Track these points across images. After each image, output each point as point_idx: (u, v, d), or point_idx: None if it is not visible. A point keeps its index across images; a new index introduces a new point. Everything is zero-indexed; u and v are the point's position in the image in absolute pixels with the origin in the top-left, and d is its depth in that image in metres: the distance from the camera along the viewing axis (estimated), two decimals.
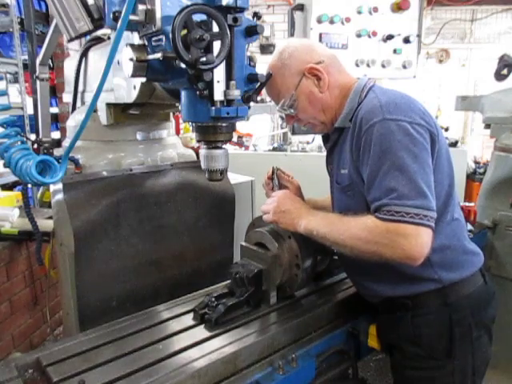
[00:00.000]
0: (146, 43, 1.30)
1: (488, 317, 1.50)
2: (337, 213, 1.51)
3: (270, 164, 1.84)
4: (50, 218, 2.54)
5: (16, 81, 3.97)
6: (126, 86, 1.58)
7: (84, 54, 1.99)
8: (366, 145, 1.32)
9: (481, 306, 1.47)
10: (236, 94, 1.26)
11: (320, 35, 2.15)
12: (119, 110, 1.81)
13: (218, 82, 1.24)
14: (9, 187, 3.82)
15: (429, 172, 1.30)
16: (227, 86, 1.26)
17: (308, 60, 1.48)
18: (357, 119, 1.38)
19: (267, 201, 1.58)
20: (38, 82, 2.14)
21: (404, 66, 2.49)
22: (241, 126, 4.94)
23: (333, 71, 1.50)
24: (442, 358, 1.43)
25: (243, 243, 1.69)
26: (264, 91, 1.50)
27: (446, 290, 1.41)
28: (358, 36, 2.22)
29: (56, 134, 4.51)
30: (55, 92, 4.52)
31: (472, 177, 5.15)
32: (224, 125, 1.36)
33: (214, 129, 1.36)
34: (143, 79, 1.38)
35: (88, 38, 1.99)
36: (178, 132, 3.83)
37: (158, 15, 1.21)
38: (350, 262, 1.45)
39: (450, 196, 1.43)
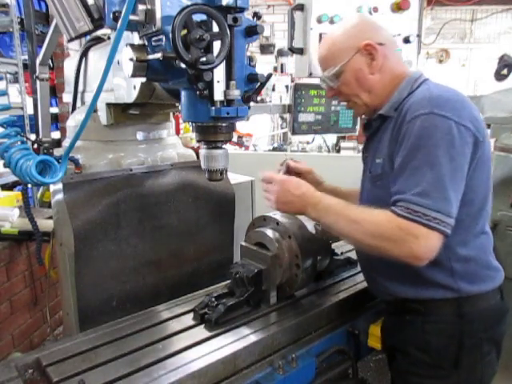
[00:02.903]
0: (146, 43, 1.30)
1: (499, 333, 1.46)
2: (365, 204, 1.45)
3: (270, 164, 1.83)
4: (50, 218, 2.54)
5: (16, 81, 3.96)
6: (126, 86, 1.58)
7: (84, 54, 1.99)
8: (406, 135, 1.29)
9: (494, 322, 1.43)
10: (236, 94, 1.26)
11: (320, 35, 2.14)
12: (119, 110, 1.81)
13: (218, 82, 1.24)
14: (9, 187, 3.81)
15: (460, 177, 1.26)
16: (227, 86, 1.26)
17: (370, 37, 1.42)
18: (403, 109, 1.34)
19: (269, 187, 1.51)
20: (37, 81, 2.14)
21: None
22: (241, 126, 4.93)
23: (390, 57, 1.45)
24: (449, 368, 1.40)
25: (243, 243, 1.69)
26: (264, 91, 1.49)
27: (462, 300, 1.38)
28: None
29: (56, 134, 4.50)
30: (55, 92, 4.51)
31: None
32: (224, 125, 1.36)
33: (214, 129, 1.36)
34: (143, 79, 1.38)
35: (88, 38, 1.99)
36: (178, 132, 3.83)
37: (158, 15, 1.21)
38: (369, 257, 1.43)
39: (482, 208, 1.39)
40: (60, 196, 1.74)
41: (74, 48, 4.13)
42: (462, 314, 1.38)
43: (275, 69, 5.45)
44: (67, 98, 2.20)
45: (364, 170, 1.58)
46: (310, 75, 2.20)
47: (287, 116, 2.88)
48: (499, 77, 5.44)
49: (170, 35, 1.11)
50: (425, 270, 1.31)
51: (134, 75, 1.30)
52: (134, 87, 1.54)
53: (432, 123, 1.25)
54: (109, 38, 1.85)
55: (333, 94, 1.55)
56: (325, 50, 1.49)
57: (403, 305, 1.46)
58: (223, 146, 1.43)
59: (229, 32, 1.18)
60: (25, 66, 3.88)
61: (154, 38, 1.27)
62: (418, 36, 2.43)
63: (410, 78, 1.43)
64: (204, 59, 1.15)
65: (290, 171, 1.73)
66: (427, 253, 1.22)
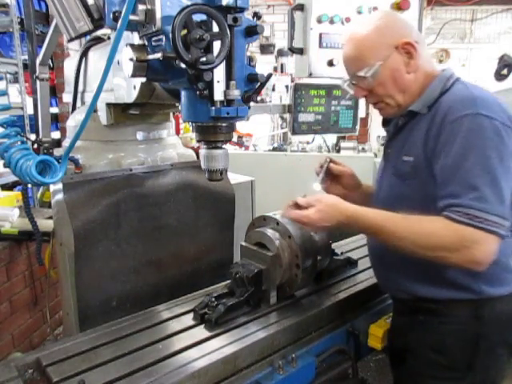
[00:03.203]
0: (146, 43, 1.30)
1: None
2: (385, 202, 1.44)
3: (270, 164, 1.83)
4: (50, 218, 2.54)
5: (16, 81, 3.96)
6: (126, 86, 1.58)
7: (84, 54, 1.99)
8: (451, 136, 1.26)
9: (509, 325, 1.42)
10: (236, 94, 1.26)
11: (320, 35, 2.14)
12: (119, 110, 1.81)
13: (218, 82, 1.24)
14: (9, 187, 3.81)
15: (510, 178, 1.24)
16: (227, 86, 1.26)
17: (405, 35, 1.39)
18: (440, 107, 1.32)
19: (303, 213, 1.37)
20: (37, 81, 2.14)
21: None
22: (241, 126, 4.93)
23: (423, 55, 1.41)
24: (464, 370, 1.39)
25: (243, 243, 1.69)
26: (264, 91, 1.49)
27: (480, 302, 1.37)
28: None
29: (56, 134, 4.50)
30: (55, 92, 4.51)
31: None
32: (224, 125, 1.36)
33: (214, 129, 1.36)
34: (143, 79, 1.38)
35: (88, 38, 1.99)
36: (178, 132, 3.83)
37: (158, 15, 1.21)
38: (386, 255, 1.41)
39: (510, 209, 1.35)
40: (60, 196, 1.74)
41: (74, 48, 4.13)
42: (479, 316, 1.37)
43: (275, 69, 5.44)
44: (67, 98, 2.20)
45: (384, 166, 1.56)
46: (310, 75, 2.20)
47: (287, 116, 2.88)
48: (499, 77, 5.44)
49: (170, 35, 1.11)
50: (447, 271, 1.31)
51: (134, 75, 1.30)
52: (134, 87, 1.54)
53: (480, 124, 1.23)
54: (109, 38, 1.85)
55: (363, 95, 1.49)
56: (355, 49, 1.42)
57: (418, 304, 1.44)
58: (223, 146, 1.43)
59: (229, 32, 1.18)
60: (25, 66, 3.87)
61: (154, 38, 1.27)
62: None
63: (442, 76, 1.41)
64: (204, 59, 1.15)
65: (330, 173, 1.70)
66: (488, 257, 1.20)
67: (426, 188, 1.34)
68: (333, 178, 1.71)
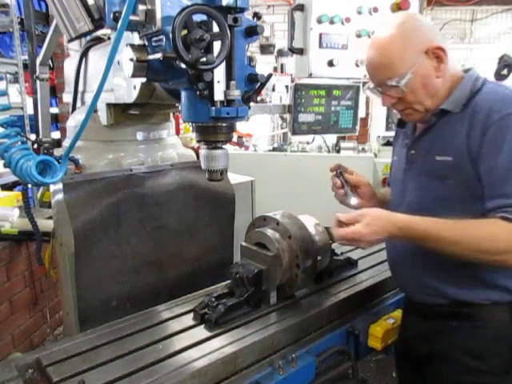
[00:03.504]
0: (146, 43, 1.30)
1: None
2: (415, 204, 1.42)
3: (270, 164, 1.83)
4: (50, 218, 2.54)
5: (16, 81, 3.96)
6: (126, 86, 1.58)
7: (84, 54, 1.99)
8: (499, 133, 1.24)
9: None
10: (236, 94, 1.26)
11: (320, 35, 2.14)
12: (119, 110, 1.81)
13: (218, 82, 1.24)
14: (9, 187, 3.81)
15: None
16: (227, 86, 1.26)
17: (432, 39, 1.36)
18: (478, 106, 1.31)
19: (347, 230, 1.33)
20: (37, 81, 2.14)
21: None
22: (241, 126, 4.93)
23: (449, 57, 1.38)
24: (503, 374, 1.38)
25: (243, 243, 1.69)
26: (264, 91, 1.48)
27: None
28: (358, 36, 2.22)
29: (56, 134, 4.50)
30: (55, 92, 4.51)
31: None
32: (224, 125, 1.36)
33: (214, 129, 1.36)
34: (143, 79, 1.38)
35: (88, 38, 1.99)
36: (178, 132, 3.83)
37: (158, 15, 1.21)
38: (417, 259, 1.39)
39: None
40: (60, 196, 1.74)
41: (74, 48, 4.13)
42: None
43: (275, 69, 5.44)
44: (67, 98, 2.20)
45: (407, 168, 1.51)
46: (310, 75, 2.20)
47: (287, 116, 2.88)
48: (499, 77, 5.44)
49: (170, 35, 1.11)
50: (484, 272, 1.29)
51: (134, 75, 1.30)
52: (134, 87, 1.54)
53: None
54: (109, 38, 1.85)
55: (392, 102, 1.44)
56: (383, 56, 1.37)
57: (449, 309, 1.42)
58: (223, 146, 1.43)
59: (229, 32, 1.18)
60: (25, 66, 3.87)
61: (154, 38, 1.27)
62: None
63: (469, 76, 1.40)
64: (204, 59, 1.15)
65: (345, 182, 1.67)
66: None
67: (467, 188, 1.31)
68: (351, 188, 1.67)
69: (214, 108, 1.26)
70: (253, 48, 7.21)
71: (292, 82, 4.07)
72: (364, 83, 2.19)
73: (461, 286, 1.39)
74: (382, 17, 2.24)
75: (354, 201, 1.65)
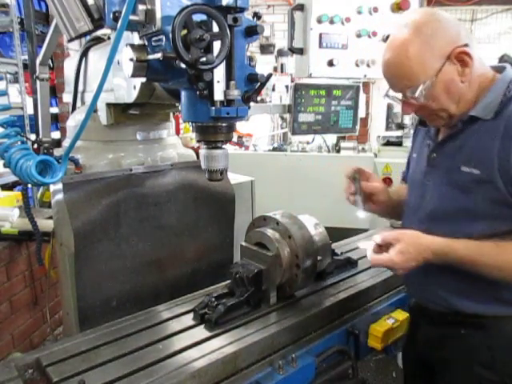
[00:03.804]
0: (146, 43, 1.30)
1: None
2: (434, 212, 1.37)
3: (270, 164, 1.82)
4: (50, 218, 2.54)
5: (16, 81, 3.96)
6: (126, 86, 1.58)
7: (84, 54, 1.99)
8: None
9: None
10: (236, 94, 1.26)
11: (320, 35, 2.14)
12: (119, 110, 1.81)
13: (218, 81, 1.24)
14: (9, 187, 3.81)
15: None
16: (227, 86, 1.26)
17: (455, 41, 1.25)
18: None
19: (382, 259, 1.30)
20: (37, 81, 2.14)
21: None
22: (241, 126, 4.93)
23: (475, 57, 1.27)
24: None
25: (243, 243, 1.69)
26: (264, 91, 1.47)
27: None
28: (358, 36, 2.22)
29: (56, 134, 4.50)
30: (55, 92, 4.52)
31: None
32: (224, 125, 1.36)
33: (214, 129, 1.36)
34: (143, 79, 1.38)
35: (88, 38, 1.99)
36: (177, 132, 3.83)
37: (158, 15, 1.21)
38: (430, 269, 1.33)
39: None
40: (60, 196, 1.74)
41: (74, 48, 4.13)
42: None
43: (275, 69, 5.43)
44: (67, 98, 2.20)
45: (430, 172, 1.43)
46: (310, 75, 2.20)
47: (287, 116, 2.88)
48: None
49: (170, 35, 1.11)
50: (504, 289, 1.27)
51: (134, 75, 1.30)
52: (134, 87, 1.54)
53: None
54: (109, 38, 1.85)
55: (413, 110, 1.37)
56: (402, 65, 1.28)
57: (459, 318, 1.38)
58: (223, 146, 1.43)
59: (229, 32, 1.18)
60: (25, 66, 3.88)
61: (154, 38, 1.27)
62: None
63: (502, 78, 1.29)
64: (204, 59, 1.15)
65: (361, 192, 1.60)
66: None
67: (495, 205, 1.24)
68: (364, 197, 1.59)
69: (213, 108, 1.26)
70: (253, 48, 7.22)
71: (292, 81, 4.07)
72: (364, 83, 2.18)
73: (475, 301, 1.35)
74: (382, 17, 2.24)
75: (362, 214, 1.60)
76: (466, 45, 1.26)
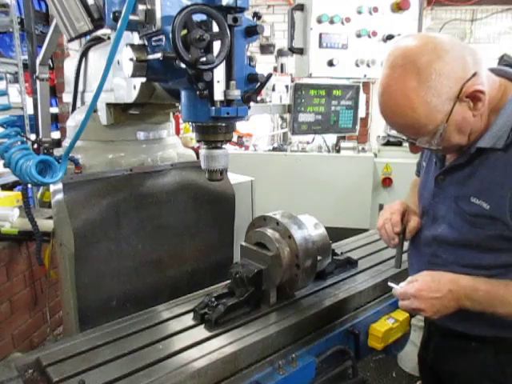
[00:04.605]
0: (146, 43, 1.30)
1: None
2: (447, 236, 1.31)
3: (270, 164, 1.82)
4: (50, 218, 2.54)
5: (16, 81, 3.97)
6: (126, 86, 1.58)
7: (84, 54, 1.99)
8: None
9: None
10: (236, 94, 1.26)
11: (320, 35, 2.15)
12: (119, 110, 1.81)
13: (218, 81, 1.24)
14: (9, 187, 3.81)
15: None
16: (227, 86, 1.26)
17: (462, 76, 1.11)
18: None
19: (410, 304, 1.28)
20: (37, 81, 2.14)
21: None
22: (241, 126, 4.93)
23: (485, 81, 1.15)
24: None
25: (243, 243, 1.69)
26: (264, 91, 1.47)
27: None
28: (358, 36, 2.22)
29: (56, 134, 4.50)
30: (55, 92, 4.52)
31: None
32: (224, 125, 1.36)
33: (214, 129, 1.36)
34: (143, 79, 1.38)
35: (88, 38, 1.99)
36: (178, 132, 3.83)
37: (158, 15, 1.21)
38: None
39: None
40: (60, 196, 1.74)
41: (74, 48, 4.14)
42: None
43: (275, 69, 5.43)
44: (67, 98, 2.20)
45: (435, 192, 1.36)
46: (310, 75, 2.21)
47: (287, 116, 2.88)
48: None
49: (170, 35, 1.11)
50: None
51: (134, 75, 1.30)
52: (134, 87, 1.54)
53: None
54: (109, 38, 1.85)
55: (422, 149, 1.31)
56: (404, 116, 1.16)
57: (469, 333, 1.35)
58: (223, 146, 1.43)
59: (229, 32, 1.18)
60: (25, 65, 3.88)
61: (153, 38, 1.27)
62: None
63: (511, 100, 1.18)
64: (204, 59, 1.15)
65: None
66: None
67: (503, 242, 1.20)
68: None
69: (213, 108, 1.26)
70: (253, 48, 7.22)
71: (292, 81, 4.07)
72: (364, 83, 2.18)
73: (484, 326, 1.31)
74: (382, 16, 2.25)
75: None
76: (474, 74, 1.12)
